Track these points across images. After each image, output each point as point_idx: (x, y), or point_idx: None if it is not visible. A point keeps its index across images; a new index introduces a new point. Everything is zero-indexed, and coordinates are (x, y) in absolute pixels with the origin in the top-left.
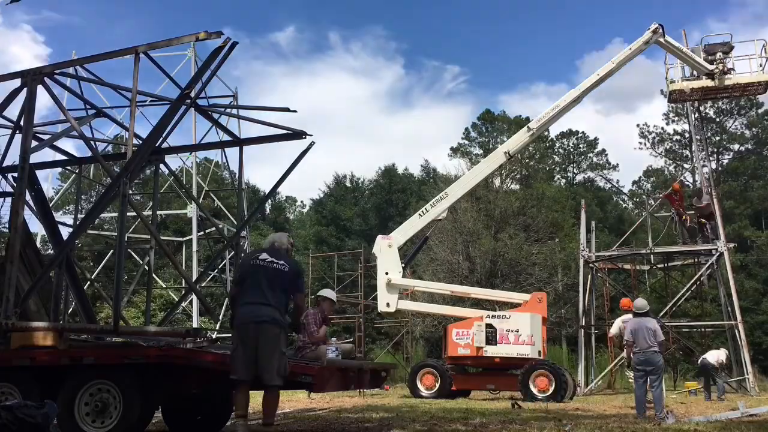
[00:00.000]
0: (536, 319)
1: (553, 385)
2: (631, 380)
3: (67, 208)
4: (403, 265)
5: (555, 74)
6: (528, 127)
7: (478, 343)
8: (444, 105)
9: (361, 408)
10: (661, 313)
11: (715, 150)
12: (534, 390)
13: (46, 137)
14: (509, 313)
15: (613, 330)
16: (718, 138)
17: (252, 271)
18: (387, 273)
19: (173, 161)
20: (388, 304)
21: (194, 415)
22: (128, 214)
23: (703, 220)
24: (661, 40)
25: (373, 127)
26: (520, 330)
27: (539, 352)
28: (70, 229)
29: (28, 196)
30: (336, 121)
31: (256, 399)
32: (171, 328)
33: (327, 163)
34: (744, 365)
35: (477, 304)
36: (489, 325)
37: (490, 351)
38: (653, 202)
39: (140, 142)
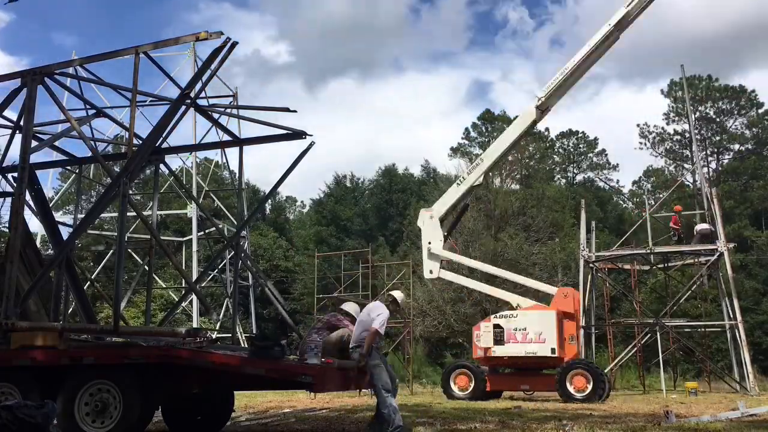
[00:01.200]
0: (547, 316)
1: (591, 385)
2: None
3: (67, 208)
4: (445, 234)
5: None
6: (537, 97)
7: (485, 343)
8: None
9: (362, 408)
10: (662, 313)
11: (715, 150)
12: (571, 389)
13: (46, 137)
14: (516, 312)
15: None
16: (718, 138)
17: None
18: (429, 243)
19: (173, 161)
20: (431, 271)
21: (194, 415)
22: (128, 214)
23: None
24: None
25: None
26: (528, 328)
27: (552, 349)
28: (70, 229)
29: (28, 196)
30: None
31: (255, 399)
32: (171, 328)
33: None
34: (744, 365)
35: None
36: (497, 326)
37: (498, 351)
38: (653, 202)
39: (140, 142)
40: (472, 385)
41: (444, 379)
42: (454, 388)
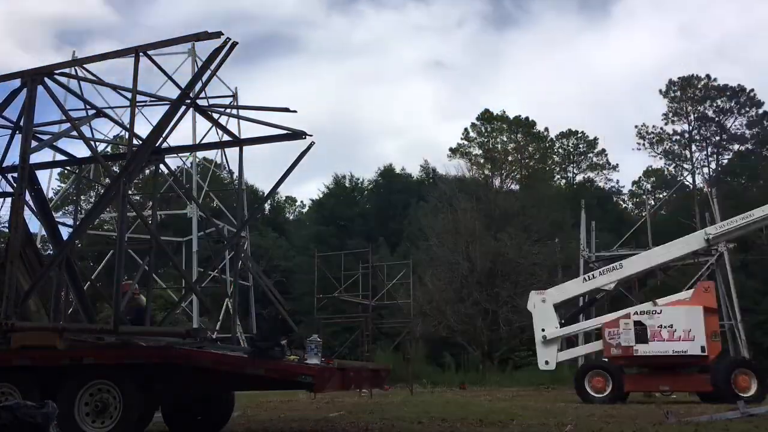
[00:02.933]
0: (693, 312)
1: (756, 384)
2: None
3: (67, 208)
4: (561, 321)
5: None
6: (705, 232)
7: (626, 342)
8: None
9: (362, 408)
10: None
11: (715, 150)
12: (735, 389)
13: (46, 137)
14: (660, 308)
15: None
16: (718, 138)
17: None
18: (543, 330)
19: (173, 161)
20: (546, 362)
21: (194, 415)
22: (128, 214)
23: None
24: None
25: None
26: (675, 325)
27: (702, 347)
28: (70, 229)
29: (28, 196)
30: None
31: (255, 399)
32: (171, 328)
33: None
34: None
35: None
36: (638, 323)
37: (642, 350)
38: (653, 202)
39: (140, 142)
40: (610, 386)
41: (578, 380)
42: (590, 389)
